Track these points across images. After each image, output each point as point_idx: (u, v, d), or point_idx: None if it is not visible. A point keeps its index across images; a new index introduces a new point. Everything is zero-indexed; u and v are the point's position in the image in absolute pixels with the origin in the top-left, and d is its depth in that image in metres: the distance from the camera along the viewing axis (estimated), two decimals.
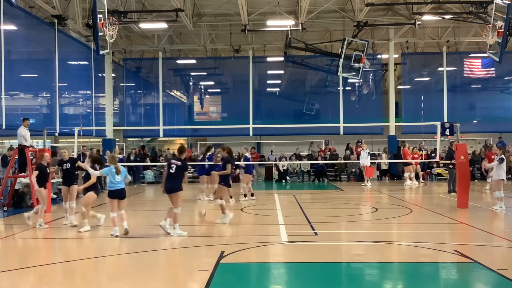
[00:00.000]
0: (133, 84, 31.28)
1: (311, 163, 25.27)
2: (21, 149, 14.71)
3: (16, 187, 15.41)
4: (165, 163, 11.84)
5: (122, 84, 29.67)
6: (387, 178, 25.74)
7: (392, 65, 27.45)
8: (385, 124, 27.40)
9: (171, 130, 30.28)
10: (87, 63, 24.23)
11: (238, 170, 17.19)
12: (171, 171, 10.08)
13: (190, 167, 25.30)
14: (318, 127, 26.70)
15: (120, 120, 29.43)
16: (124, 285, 6.82)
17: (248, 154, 17.18)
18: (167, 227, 10.18)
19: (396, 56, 28.42)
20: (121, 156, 22.65)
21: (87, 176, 11.33)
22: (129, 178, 10.84)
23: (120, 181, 10.22)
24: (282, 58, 29.24)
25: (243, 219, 12.91)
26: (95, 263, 8.24)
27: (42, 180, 11.57)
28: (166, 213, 10.24)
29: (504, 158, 13.44)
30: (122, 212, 10.28)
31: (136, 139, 34.79)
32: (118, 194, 10.20)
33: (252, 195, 16.52)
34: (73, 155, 14.46)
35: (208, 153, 16.18)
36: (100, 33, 16.67)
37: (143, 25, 23.28)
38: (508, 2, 18.14)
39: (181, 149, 10.47)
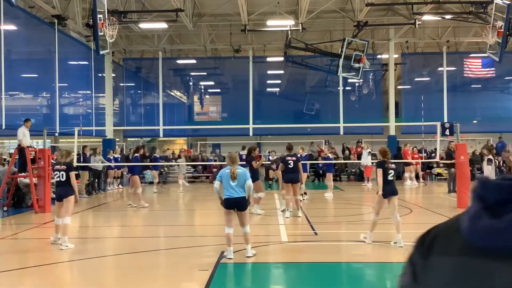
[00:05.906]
0: (133, 84, 31.29)
1: (311, 163, 25.21)
2: (21, 149, 14.73)
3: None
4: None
5: (122, 84, 29.69)
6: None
7: (392, 65, 27.44)
8: (385, 124, 27.37)
9: (171, 130, 30.26)
10: (87, 63, 24.23)
11: None
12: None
13: (190, 166, 25.61)
14: (318, 127, 26.66)
15: (120, 120, 29.44)
16: (124, 285, 6.82)
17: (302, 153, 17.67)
18: None
19: (396, 56, 28.40)
20: (118, 155, 22.57)
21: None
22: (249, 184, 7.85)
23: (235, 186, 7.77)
24: (282, 58, 29.19)
25: None
26: (96, 263, 8.23)
27: None
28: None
29: (492, 159, 14.44)
30: (243, 229, 7.91)
31: (136, 139, 34.79)
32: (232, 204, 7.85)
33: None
34: (73, 155, 14.39)
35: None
36: (100, 33, 16.68)
37: (143, 25, 23.29)
38: (508, 2, 18.14)
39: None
